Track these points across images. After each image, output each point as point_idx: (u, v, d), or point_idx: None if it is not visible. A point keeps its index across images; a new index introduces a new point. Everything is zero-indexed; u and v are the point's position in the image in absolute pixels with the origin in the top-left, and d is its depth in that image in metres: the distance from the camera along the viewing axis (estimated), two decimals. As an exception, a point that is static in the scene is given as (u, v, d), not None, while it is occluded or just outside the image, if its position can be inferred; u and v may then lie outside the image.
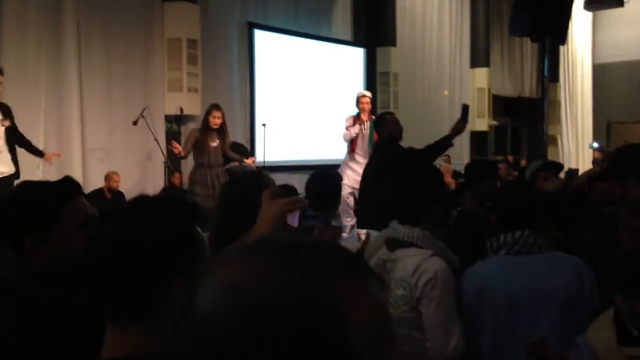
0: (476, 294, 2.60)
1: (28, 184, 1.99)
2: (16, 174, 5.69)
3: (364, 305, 0.68)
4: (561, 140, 14.92)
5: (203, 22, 8.43)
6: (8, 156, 5.63)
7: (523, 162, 11.95)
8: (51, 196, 1.69)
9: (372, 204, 5.52)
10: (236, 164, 7.15)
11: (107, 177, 7.21)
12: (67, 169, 6.63)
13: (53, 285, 1.60)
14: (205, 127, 6.86)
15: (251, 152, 8.50)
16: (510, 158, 12.00)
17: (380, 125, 6.09)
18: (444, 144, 5.38)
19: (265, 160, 8.07)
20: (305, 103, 9.77)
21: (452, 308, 2.38)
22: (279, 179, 3.08)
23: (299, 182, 5.77)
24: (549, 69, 10.24)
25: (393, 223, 3.00)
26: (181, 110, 8.12)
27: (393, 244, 2.66)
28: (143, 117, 6.98)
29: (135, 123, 6.98)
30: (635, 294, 2.12)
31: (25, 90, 6.71)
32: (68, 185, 1.75)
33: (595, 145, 14.22)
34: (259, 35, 9.50)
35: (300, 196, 3.63)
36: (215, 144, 6.85)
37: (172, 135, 7.98)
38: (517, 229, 2.69)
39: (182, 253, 1.21)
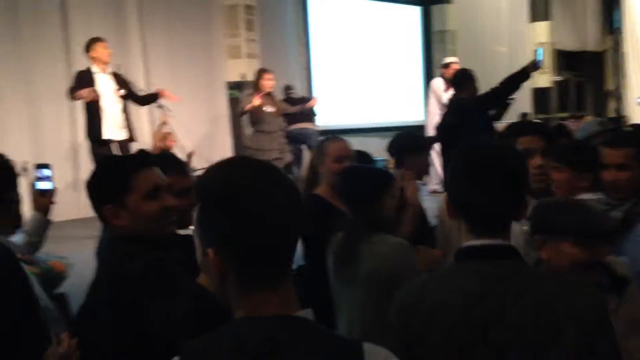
0: None
1: (106, 158, 2.38)
2: (131, 139, 6.11)
3: None
4: (627, 94, 14.34)
5: (258, -13, 8.45)
6: (125, 123, 6.08)
7: (586, 119, 11.53)
8: (120, 168, 1.86)
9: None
10: (301, 126, 7.22)
11: (162, 137, 6.89)
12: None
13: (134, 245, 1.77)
14: (258, 91, 6.85)
15: (312, 116, 8.43)
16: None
17: (468, 81, 5.89)
18: (521, 76, 5.48)
19: (329, 124, 8.07)
20: (362, 66, 9.69)
21: None
22: (353, 143, 3.09)
23: (377, 145, 5.68)
24: (615, 20, 9.82)
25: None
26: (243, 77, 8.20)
27: None
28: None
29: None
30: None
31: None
32: (138, 157, 1.93)
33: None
34: (314, -2, 9.44)
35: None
36: (270, 109, 6.89)
37: (234, 102, 8.08)
38: None
39: None
